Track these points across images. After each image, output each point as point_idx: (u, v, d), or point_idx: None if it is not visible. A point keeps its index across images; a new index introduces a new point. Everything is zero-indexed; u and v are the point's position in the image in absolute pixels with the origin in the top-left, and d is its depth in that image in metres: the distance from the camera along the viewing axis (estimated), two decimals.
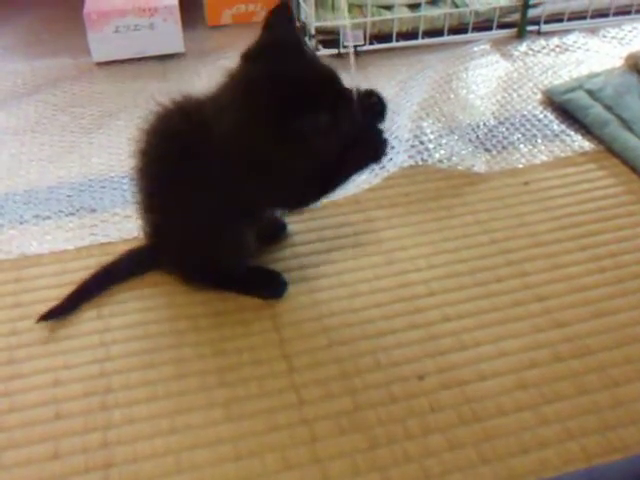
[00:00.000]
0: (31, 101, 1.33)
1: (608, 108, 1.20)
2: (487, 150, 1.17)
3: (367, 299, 0.91)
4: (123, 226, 1.02)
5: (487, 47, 1.49)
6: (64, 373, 0.82)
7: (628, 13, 1.58)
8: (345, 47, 1.46)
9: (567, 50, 1.47)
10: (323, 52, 1.46)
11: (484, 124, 1.23)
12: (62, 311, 0.88)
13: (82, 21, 1.39)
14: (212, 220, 0.82)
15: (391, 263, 0.96)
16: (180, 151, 0.80)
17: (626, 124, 1.17)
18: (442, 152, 1.15)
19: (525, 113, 1.27)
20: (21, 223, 1.03)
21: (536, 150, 1.17)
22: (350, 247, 0.99)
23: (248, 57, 0.77)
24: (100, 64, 1.43)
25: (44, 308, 0.89)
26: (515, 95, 1.32)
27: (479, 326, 0.87)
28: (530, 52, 1.47)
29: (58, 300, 0.89)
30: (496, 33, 1.52)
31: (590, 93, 1.24)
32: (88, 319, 0.89)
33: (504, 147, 1.18)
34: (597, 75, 1.30)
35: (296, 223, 1.02)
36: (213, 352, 0.84)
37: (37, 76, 1.40)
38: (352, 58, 1.14)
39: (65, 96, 1.34)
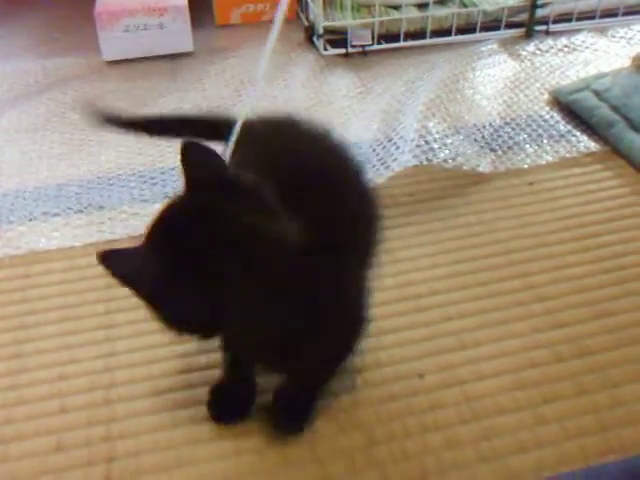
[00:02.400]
0: (42, 99, 1.34)
1: (615, 109, 1.20)
2: (492, 150, 1.17)
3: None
4: (130, 223, 1.03)
5: (495, 47, 1.49)
6: (70, 367, 0.83)
7: (637, 13, 1.57)
8: (353, 47, 1.46)
9: (575, 50, 1.47)
10: (331, 52, 1.47)
11: (490, 124, 1.24)
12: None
13: (93, 20, 1.40)
14: None
15: (394, 262, 0.97)
16: None
17: (632, 125, 1.17)
18: (447, 152, 1.15)
19: (531, 113, 1.27)
20: (30, 220, 1.05)
21: (541, 150, 1.17)
22: None
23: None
24: (110, 63, 1.45)
25: (51, 304, 0.91)
26: (522, 95, 1.32)
27: (480, 326, 0.87)
28: (538, 52, 1.47)
29: (63, 295, 0.91)
30: (504, 33, 1.52)
31: (597, 94, 1.24)
32: (95, 314, 0.90)
33: (509, 147, 1.18)
34: (604, 76, 1.30)
35: None
36: (216, 348, 0.84)
37: (48, 75, 1.42)
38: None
39: (76, 94, 1.36)
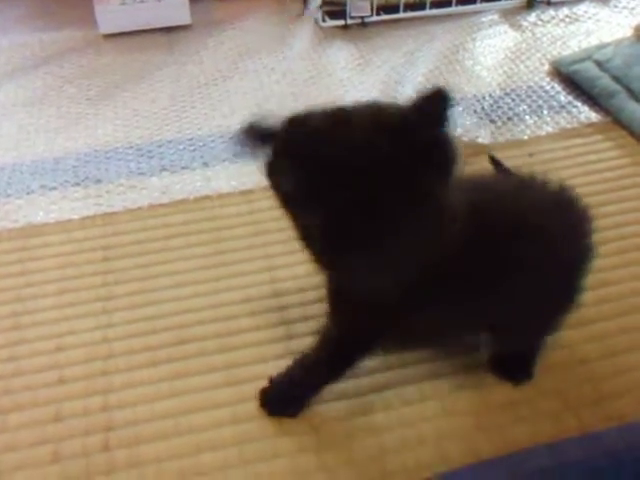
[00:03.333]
0: (39, 73, 1.33)
1: (616, 79, 1.19)
2: (492, 121, 1.16)
3: None
4: (127, 196, 1.03)
5: (495, 17, 1.47)
6: (67, 339, 0.83)
7: None
8: (352, 18, 1.45)
9: (577, 20, 1.45)
10: (329, 23, 1.45)
11: (490, 95, 1.23)
12: None
13: None
14: None
15: None
16: None
17: (634, 95, 1.16)
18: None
19: (532, 84, 1.26)
20: (28, 193, 1.04)
21: (542, 121, 1.16)
22: None
23: None
24: (107, 36, 1.43)
25: (49, 276, 0.91)
26: (522, 66, 1.31)
27: None
28: (539, 22, 1.45)
29: (61, 268, 0.91)
30: (505, 3, 1.50)
31: (598, 64, 1.23)
32: (93, 286, 0.90)
33: (509, 118, 1.17)
34: (606, 46, 1.28)
35: None
36: (213, 318, 0.85)
37: (45, 48, 1.41)
38: None
39: (72, 68, 1.35)
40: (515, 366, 0.79)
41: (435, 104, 0.56)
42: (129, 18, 1.43)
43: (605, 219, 0.97)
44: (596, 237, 0.92)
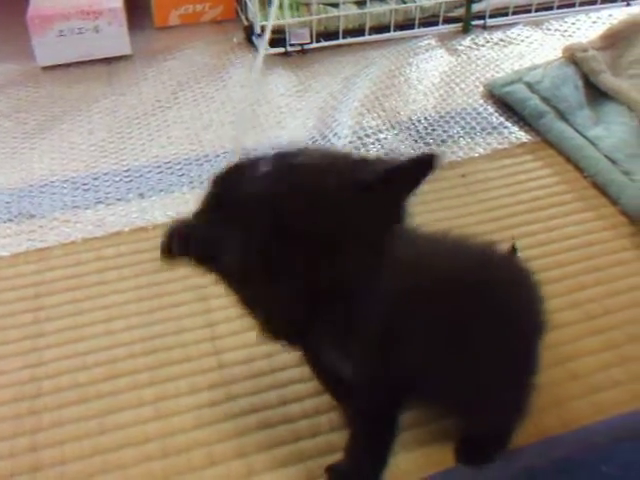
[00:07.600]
0: None
1: (545, 100, 1.22)
2: (427, 144, 1.19)
3: None
4: (61, 231, 1.02)
5: (432, 42, 1.50)
6: None
7: (572, 6, 1.60)
8: (292, 45, 1.47)
9: (511, 43, 1.49)
10: (270, 51, 1.47)
11: (425, 118, 1.25)
12: None
13: (26, 26, 1.38)
14: None
15: None
16: None
17: (562, 115, 1.19)
18: (380, 147, 1.16)
19: (466, 107, 1.28)
20: None
21: (474, 143, 1.19)
22: None
23: None
24: (45, 68, 1.43)
25: None
26: (457, 89, 1.34)
27: None
28: (474, 46, 1.49)
29: None
30: (442, 28, 1.54)
31: (529, 85, 1.26)
32: (22, 324, 0.89)
33: (443, 141, 1.19)
34: (536, 68, 1.31)
35: None
36: (144, 351, 0.85)
37: None
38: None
39: (9, 102, 1.34)
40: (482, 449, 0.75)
41: (419, 170, 0.53)
42: (67, 49, 1.42)
43: (530, 237, 1.00)
44: (522, 254, 0.96)
